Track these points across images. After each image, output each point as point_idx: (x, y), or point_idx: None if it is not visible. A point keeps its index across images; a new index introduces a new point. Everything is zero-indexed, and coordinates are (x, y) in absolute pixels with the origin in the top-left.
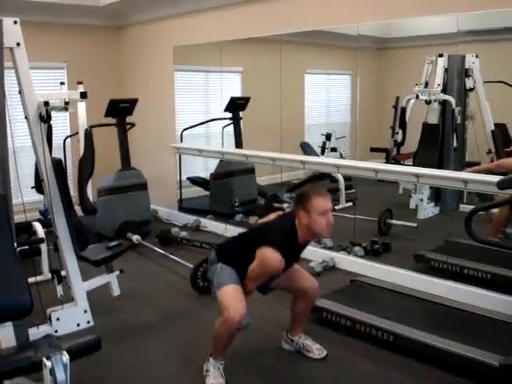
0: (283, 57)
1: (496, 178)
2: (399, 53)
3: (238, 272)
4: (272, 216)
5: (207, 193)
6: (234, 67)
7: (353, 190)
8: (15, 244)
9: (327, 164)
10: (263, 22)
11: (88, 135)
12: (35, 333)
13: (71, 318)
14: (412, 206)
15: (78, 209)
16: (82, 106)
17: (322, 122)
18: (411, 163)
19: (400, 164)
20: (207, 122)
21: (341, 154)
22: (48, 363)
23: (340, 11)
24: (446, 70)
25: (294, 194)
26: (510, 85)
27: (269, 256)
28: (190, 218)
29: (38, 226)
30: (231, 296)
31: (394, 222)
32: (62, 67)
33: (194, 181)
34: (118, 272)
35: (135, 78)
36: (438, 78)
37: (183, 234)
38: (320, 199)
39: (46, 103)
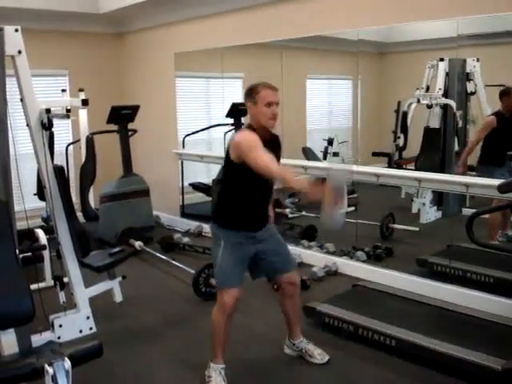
0: (284, 62)
1: (497, 182)
2: (400, 57)
3: (239, 209)
4: None
5: (209, 198)
6: (236, 73)
7: (355, 195)
8: (17, 251)
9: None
10: (264, 27)
11: (90, 142)
12: (38, 339)
13: (74, 324)
14: (414, 210)
15: (80, 215)
16: (83, 113)
17: (323, 127)
18: (413, 167)
19: (402, 168)
20: (209, 127)
21: (343, 159)
22: (50, 370)
23: (341, 16)
24: (447, 74)
25: (296, 200)
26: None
27: (245, 132)
28: (192, 224)
29: (40, 233)
30: (228, 290)
31: (396, 226)
32: (63, 74)
33: (196, 187)
34: (120, 278)
35: (137, 84)
36: (439, 82)
37: (185, 239)
38: (267, 90)
39: (48, 110)
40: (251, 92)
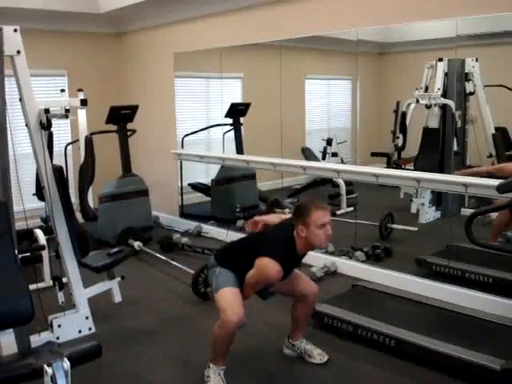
0: (283, 62)
1: (496, 182)
2: (399, 57)
3: (237, 276)
4: (272, 217)
5: (208, 199)
6: (235, 73)
7: (354, 195)
8: (16, 251)
9: (328, 169)
10: (263, 27)
11: (89, 142)
12: (37, 340)
13: (73, 324)
14: (413, 210)
15: (79, 215)
16: (82, 113)
17: (322, 127)
18: (412, 168)
19: (401, 168)
20: (208, 128)
21: (342, 159)
22: (49, 370)
23: (340, 17)
24: (445, 75)
25: (295, 200)
26: (510, 88)
27: (268, 265)
28: (191, 224)
29: (39, 233)
30: (229, 298)
31: (395, 226)
32: (62, 74)
33: (195, 187)
34: (119, 278)
35: (136, 84)
36: (438, 83)
37: (185, 240)
38: (319, 212)
39: (47, 110)
40: (301, 213)
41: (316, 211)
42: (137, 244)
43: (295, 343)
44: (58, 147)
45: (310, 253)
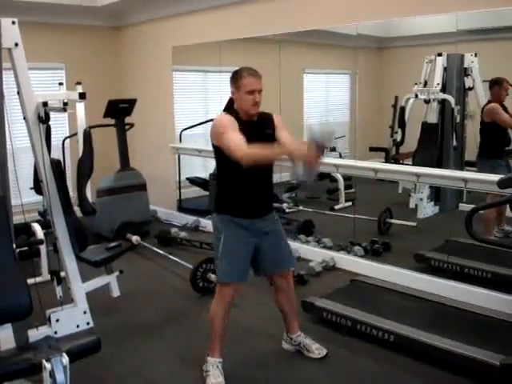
0: (282, 56)
1: (496, 178)
2: (398, 52)
3: (238, 195)
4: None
5: (207, 193)
6: (233, 67)
7: (352, 190)
8: (14, 245)
9: (326, 164)
10: (262, 21)
11: (87, 136)
12: (35, 334)
13: (71, 319)
14: (412, 205)
15: (77, 209)
16: (80, 107)
17: (321, 122)
18: (410, 162)
19: (399, 163)
20: (206, 122)
21: (340, 154)
22: (48, 365)
23: (339, 11)
24: (445, 69)
25: (293, 195)
26: (509, 83)
27: (221, 116)
28: (189, 219)
29: (37, 227)
30: (229, 285)
31: (393, 221)
32: (60, 68)
33: (194, 181)
34: (117, 273)
35: (134, 78)
36: (437, 77)
37: (183, 234)
38: (250, 78)
39: (45, 104)
40: (235, 78)
41: (247, 76)
42: (135, 238)
43: (293, 336)
44: (55, 141)
45: (309, 247)
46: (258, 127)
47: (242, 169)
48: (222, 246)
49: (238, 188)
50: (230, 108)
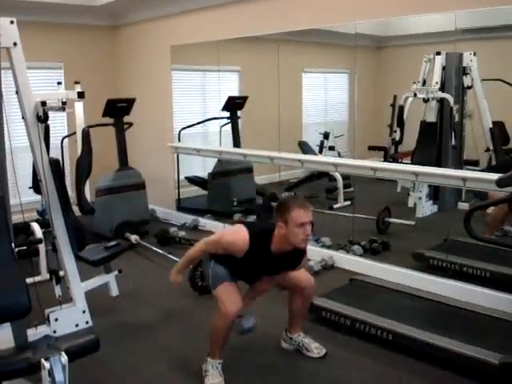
0: (281, 56)
1: (495, 176)
2: (397, 51)
3: (231, 271)
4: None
5: (205, 192)
6: (232, 66)
7: (351, 189)
8: (13, 244)
9: (325, 163)
10: (261, 20)
11: (85, 135)
12: (34, 333)
13: (70, 318)
14: (410, 204)
15: (75, 209)
16: (79, 106)
17: (319, 121)
18: (409, 161)
19: (398, 162)
20: (205, 121)
21: (339, 153)
22: (46, 364)
23: (337, 10)
24: (443, 68)
25: (293, 194)
26: (507, 82)
27: (236, 229)
28: (188, 218)
29: (35, 227)
30: (226, 291)
31: (392, 220)
32: (59, 67)
33: (192, 180)
34: (116, 272)
35: (132, 77)
36: (436, 76)
37: (181, 233)
38: (300, 211)
39: (43, 103)
40: (282, 210)
41: (297, 209)
42: (134, 237)
43: (293, 337)
44: (54, 140)
45: (308, 246)
46: (283, 260)
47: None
48: (212, 270)
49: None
50: (264, 235)
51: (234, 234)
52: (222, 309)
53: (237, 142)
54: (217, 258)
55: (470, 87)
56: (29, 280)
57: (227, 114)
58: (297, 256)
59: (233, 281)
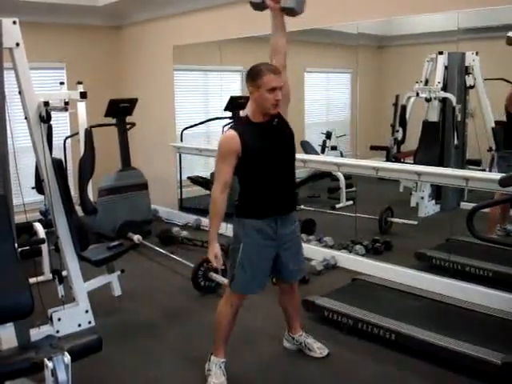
0: None
1: (498, 176)
2: (399, 51)
3: (259, 195)
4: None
5: (208, 192)
6: (234, 66)
7: (353, 189)
8: (16, 244)
9: (328, 162)
10: (263, 20)
11: (88, 135)
12: (36, 333)
13: (72, 318)
14: (413, 204)
15: (78, 209)
16: (81, 106)
17: (322, 121)
18: (411, 161)
19: (400, 162)
20: (207, 121)
21: (341, 153)
22: (49, 364)
23: (340, 9)
24: (446, 68)
25: None
26: (510, 82)
27: (223, 135)
28: (190, 218)
29: (38, 227)
30: (240, 295)
31: (394, 220)
32: (61, 67)
33: (195, 180)
34: (119, 272)
35: (135, 77)
36: (439, 76)
37: (184, 233)
38: (271, 75)
39: (46, 103)
40: (254, 76)
41: (269, 74)
42: (136, 237)
43: (295, 336)
44: (57, 140)
45: (310, 246)
46: (276, 128)
47: (261, 168)
48: (242, 255)
49: (260, 187)
50: (239, 119)
51: (222, 136)
52: (231, 301)
53: None
54: (243, 208)
55: (472, 87)
56: (32, 280)
57: (229, 114)
58: (283, 120)
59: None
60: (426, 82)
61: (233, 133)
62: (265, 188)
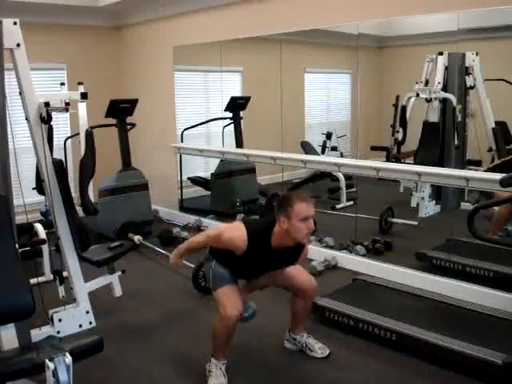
0: (283, 56)
1: (498, 176)
2: (399, 51)
3: (232, 270)
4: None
5: (208, 193)
6: (234, 67)
7: (354, 189)
8: (16, 245)
9: (328, 163)
10: (263, 21)
11: (89, 136)
12: (37, 334)
13: (73, 318)
14: (413, 204)
15: (79, 209)
16: (82, 107)
17: (322, 121)
18: (412, 162)
19: (401, 162)
20: (207, 121)
21: (341, 153)
22: (51, 365)
23: (340, 10)
24: (446, 68)
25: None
26: (510, 82)
27: (235, 226)
28: (191, 218)
29: (39, 227)
30: (227, 294)
31: (395, 220)
32: (62, 68)
33: (195, 181)
34: (119, 272)
35: (135, 78)
36: (439, 76)
37: (184, 234)
38: (302, 205)
39: (47, 104)
40: (284, 204)
41: (300, 203)
42: (137, 238)
43: (296, 337)
44: (57, 141)
45: (310, 247)
46: (283, 255)
47: (239, 269)
48: (214, 271)
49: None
50: (263, 231)
51: (233, 232)
52: (223, 312)
53: (239, 143)
54: (218, 256)
55: (472, 87)
56: (32, 281)
57: (230, 115)
58: (297, 250)
59: (233, 282)
60: (426, 83)
61: (243, 242)
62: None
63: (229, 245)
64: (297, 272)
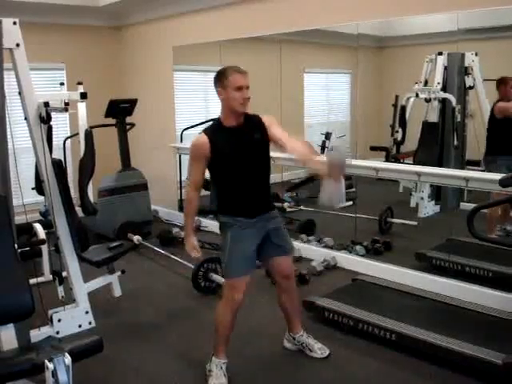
0: (283, 56)
1: (498, 177)
2: (399, 51)
3: (233, 197)
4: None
5: (207, 193)
6: None
7: (353, 189)
8: (16, 245)
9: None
10: (262, 21)
11: (88, 136)
12: (37, 334)
13: (73, 319)
14: (412, 204)
15: (78, 209)
16: (82, 107)
17: (321, 121)
18: (411, 162)
19: (400, 162)
20: (207, 121)
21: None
22: (50, 365)
23: (339, 10)
24: (445, 68)
25: (295, 195)
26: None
27: (194, 139)
28: None
29: (38, 228)
30: (239, 282)
31: (394, 220)
32: (61, 68)
33: None
34: (119, 273)
35: (135, 78)
36: (438, 77)
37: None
38: (237, 75)
39: (46, 104)
40: (220, 77)
41: (234, 74)
42: (136, 238)
43: (295, 336)
44: (57, 141)
45: (310, 247)
46: (246, 133)
47: (230, 171)
48: (229, 244)
49: (232, 189)
50: (213, 120)
51: (193, 140)
52: (229, 296)
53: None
54: (216, 181)
55: (471, 87)
56: (32, 281)
57: None
58: (257, 124)
59: (249, 267)
60: (426, 83)
61: (203, 137)
62: (236, 190)
63: (198, 147)
64: (278, 261)
